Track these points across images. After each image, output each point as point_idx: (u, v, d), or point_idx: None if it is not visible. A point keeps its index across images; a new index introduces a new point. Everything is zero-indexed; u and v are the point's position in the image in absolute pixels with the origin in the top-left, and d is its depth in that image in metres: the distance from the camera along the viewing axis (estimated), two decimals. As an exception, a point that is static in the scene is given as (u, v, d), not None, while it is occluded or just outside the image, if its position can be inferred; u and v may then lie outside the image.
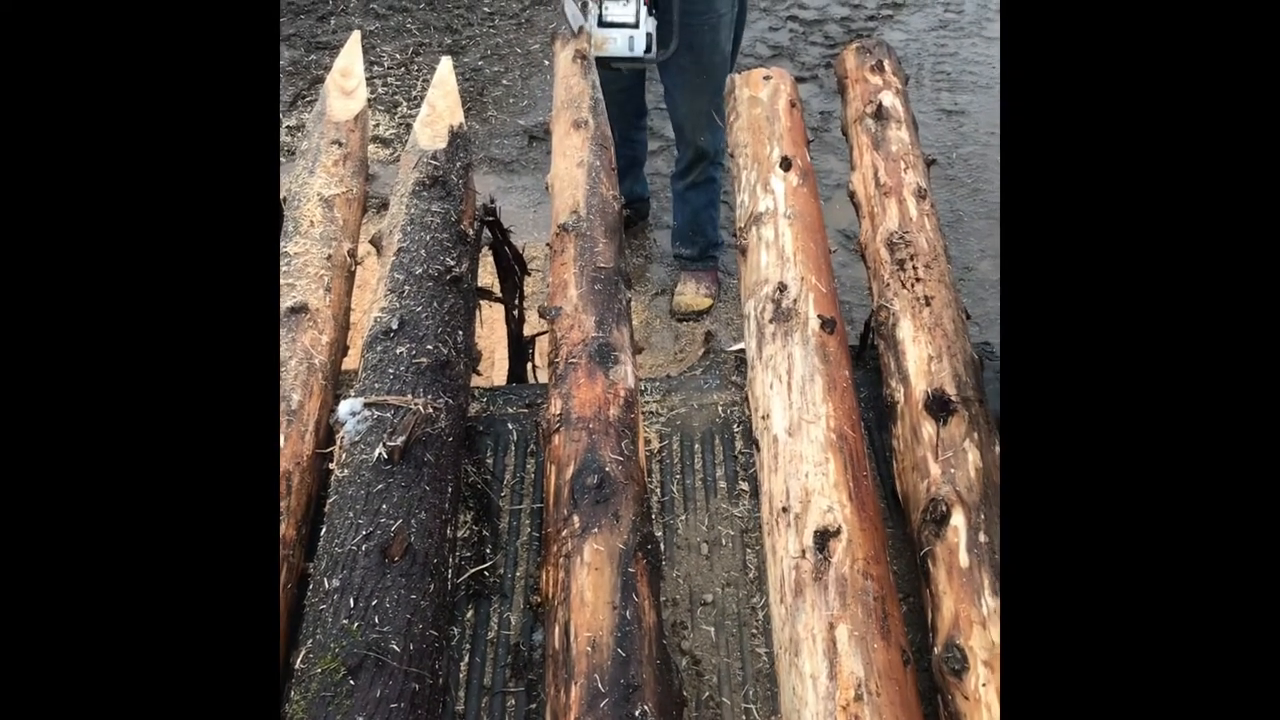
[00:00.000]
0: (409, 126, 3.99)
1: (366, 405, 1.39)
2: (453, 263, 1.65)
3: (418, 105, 4.09)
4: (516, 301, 2.22)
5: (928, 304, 1.58)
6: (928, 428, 1.43)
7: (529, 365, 2.30)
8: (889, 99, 1.96)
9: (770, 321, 1.58)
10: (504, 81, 4.46)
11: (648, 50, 2.40)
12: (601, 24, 2.35)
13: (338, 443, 1.39)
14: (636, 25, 2.38)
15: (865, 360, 1.83)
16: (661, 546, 1.51)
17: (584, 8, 2.33)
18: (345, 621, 1.16)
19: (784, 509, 1.33)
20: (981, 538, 1.28)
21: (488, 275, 2.20)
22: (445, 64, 2.04)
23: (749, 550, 1.55)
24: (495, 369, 2.76)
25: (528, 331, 2.27)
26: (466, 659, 1.41)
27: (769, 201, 1.77)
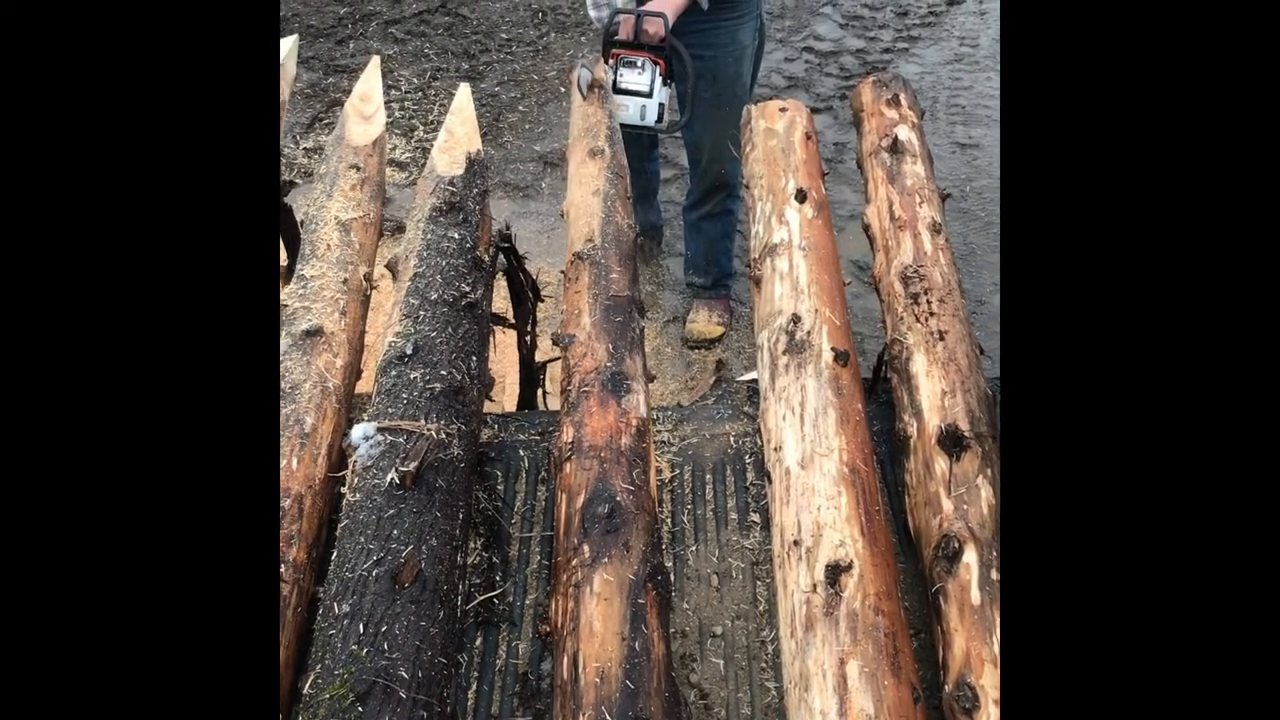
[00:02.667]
0: (426, 150, 4.02)
1: (379, 430, 1.39)
2: (468, 288, 1.66)
3: (435, 129, 4.13)
4: (529, 327, 2.22)
5: (941, 338, 1.58)
6: (940, 463, 1.42)
7: (540, 391, 2.30)
8: (904, 133, 1.97)
9: (783, 353, 1.58)
10: (520, 108, 4.50)
11: (659, 120, 2.40)
12: (615, 90, 2.35)
13: (350, 467, 1.39)
14: (649, 94, 2.37)
15: (878, 394, 1.82)
16: (672, 578, 1.51)
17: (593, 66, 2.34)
18: (354, 647, 1.16)
19: (795, 542, 1.32)
20: (994, 575, 1.27)
21: (501, 301, 2.21)
22: (464, 91, 2.05)
23: (759, 583, 1.54)
24: (506, 394, 2.76)
25: (539, 357, 2.28)
26: (474, 687, 1.41)
27: (784, 233, 1.77)
